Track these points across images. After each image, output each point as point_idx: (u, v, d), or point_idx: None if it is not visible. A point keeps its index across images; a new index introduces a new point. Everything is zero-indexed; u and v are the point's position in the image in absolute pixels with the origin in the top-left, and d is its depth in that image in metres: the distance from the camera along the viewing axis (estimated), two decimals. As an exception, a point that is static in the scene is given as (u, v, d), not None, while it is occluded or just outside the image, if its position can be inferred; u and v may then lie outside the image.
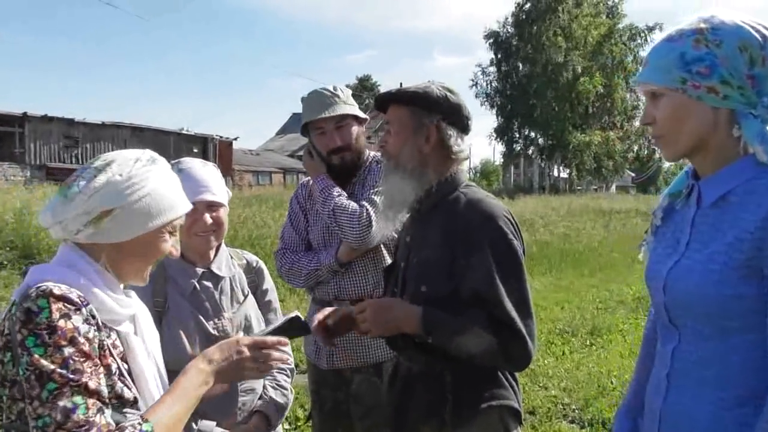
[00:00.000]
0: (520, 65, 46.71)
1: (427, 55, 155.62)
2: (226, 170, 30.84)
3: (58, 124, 30.08)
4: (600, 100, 45.73)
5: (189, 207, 1.49)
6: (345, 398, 2.57)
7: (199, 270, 2.03)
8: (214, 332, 1.99)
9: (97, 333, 1.29)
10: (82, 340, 1.24)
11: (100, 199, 1.34)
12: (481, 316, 1.75)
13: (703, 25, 1.31)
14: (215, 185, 2.04)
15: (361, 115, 2.57)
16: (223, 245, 2.14)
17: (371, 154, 2.65)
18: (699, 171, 1.41)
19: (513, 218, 1.88)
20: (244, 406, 2.04)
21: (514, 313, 1.75)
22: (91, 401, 1.20)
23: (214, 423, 1.94)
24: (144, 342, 1.45)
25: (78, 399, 1.19)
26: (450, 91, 1.94)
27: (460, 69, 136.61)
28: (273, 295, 2.23)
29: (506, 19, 47.08)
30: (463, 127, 1.95)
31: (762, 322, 1.24)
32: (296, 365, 2.63)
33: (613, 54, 45.59)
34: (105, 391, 1.25)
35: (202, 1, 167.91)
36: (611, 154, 46.75)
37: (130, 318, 1.44)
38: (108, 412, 1.23)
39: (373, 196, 2.43)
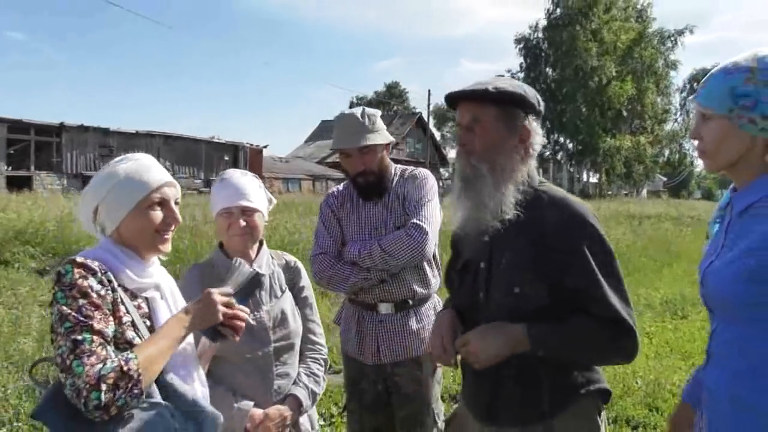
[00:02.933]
0: (550, 70, 46.62)
1: (454, 62, 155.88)
2: (257, 177, 31.21)
3: (93, 133, 30.94)
4: (630, 104, 45.36)
5: (163, 181, 1.75)
6: (385, 389, 2.75)
7: (244, 268, 2.23)
8: (253, 323, 2.17)
9: (111, 293, 1.61)
10: (94, 295, 1.57)
11: (88, 201, 1.75)
12: (586, 318, 1.78)
13: (754, 65, 1.54)
14: (252, 192, 2.25)
15: (386, 141, 2.72)
16: (264, 246, 2.34)
17: (397, 167, 2.82)
18: (736, 185, 1.66)
19: (596, 214, 1.89)
20: (279, 389, 2.23)
21: (619, 306, 1.77)
22: (95, 337, 1.52)
23: (252, 403, 2.15)
24: (168, 305, 1.76)
25: (86, 335, 1.52)
26: (525, 85, 1.92)
27: (488, 75, 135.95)
28: (309, 292, 2.42)
29: (537, 24, 47.04)
30: (540, 122, 1.95)
31: (762, 315, 1.49)
32: (330, 366, 2.78)
33: (643, 58, 45.19)
34: (109, 333, 1.55)
35: (232, 10, 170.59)
36: (641, 158, 46.32)
37: (155, 286, 1.75)
38: (109, 347, 1.53)
39: (422, 213, 2.62)
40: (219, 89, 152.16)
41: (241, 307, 1.74)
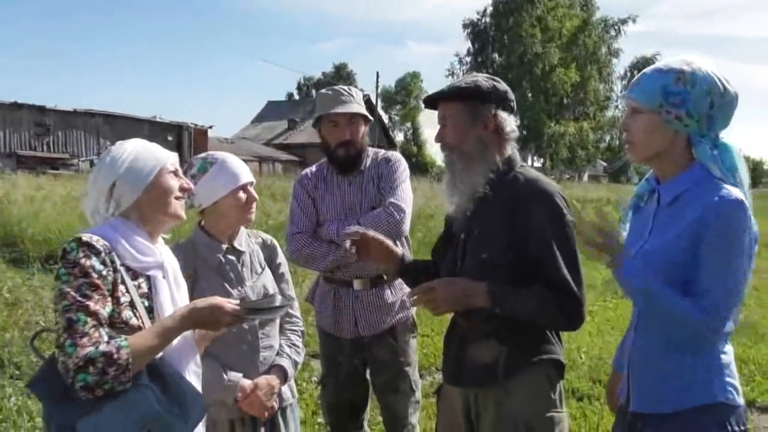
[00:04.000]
0: (497, 56, 47.15)
1: (402, 44, 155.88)
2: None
3: (28, 111, 29.61)
4: (574, 90, 46.38)
5: (171, 156, 1.85)
6: (362, 362, 2.90)
7: (224, 246, 2.31)
8: (238, 298, 2.26)
9: (113, 273, 1.65)
10: (95, 275, 1.62)
11: (102, 180, 1.77)
12: (540, 284, 1.99)
13: (685, 68, 1.73)
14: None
15: (369, 116, 2.89)
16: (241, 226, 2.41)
17: (370, 149, 2.94)
18: (658, 175, 1.85)
19: (565, 196, 2.10)
20: (264, 360, 2.33)
21: (569, 278, 1.99)
22: (90, 319, 1.57)
23: (241, 374, 2.25)
24: (170, 286, 1.80)
25: (81, 315, 1.56)
26: (495, 80, 2.16)
27: (434, 57, 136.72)
28: (285, 268, 2.51)
29: (485, 9, 47.41)
30: (511, 109, 2.16)
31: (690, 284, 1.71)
32: None
33: (587, 46, 46.21)
34: (104, 314, 1.60)
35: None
36: (584, 144, 47.52)
37: (159, 266, 1.79)
38: (103, 330, 1.58)
39: (398, 193, 2.77)
40: (161, 67, 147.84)
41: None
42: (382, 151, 2.99)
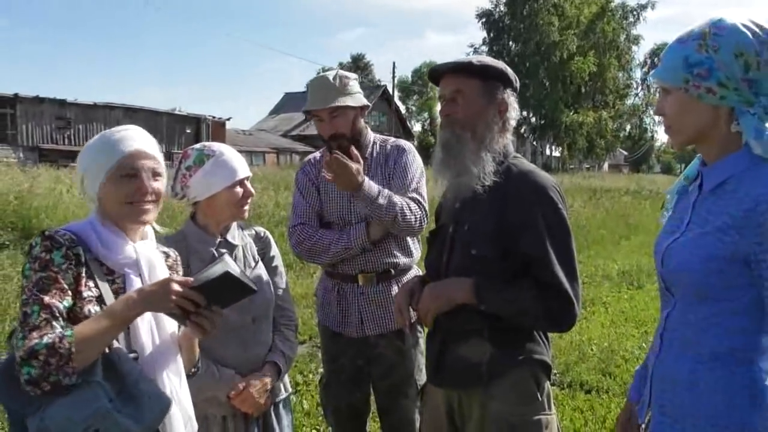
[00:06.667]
0: (512, 44, 46.71)
1: (419, 33, 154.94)
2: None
3: (49, 105, 29.89)
4: (592, 79, 45.85)
5: (134, 149, 1.74)
6: (366, 362, 2.74)
7: (217, 240, 2.29)
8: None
9: (74, 267, 1.63)
10: (54, 269, 1.59)
11: (77, 171, 1.77)
12: (530, 282, 1.89)
13: (707, 30, 1.45)
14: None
15: (357, 104, 2.68)
16: None
17: (375, 136, 2.80)
18: (705, 159, 1.58)
19: (560, 190, 2.00)
20: (257, 356, 2.30)
21: (562, 276, 1.88)
22: (43, 312, 1.54)
23: (233, 371, 2.23)
24: (144, 283, 1.72)
25: (35, 308, 1.54)
26: (505, 64, 2.06)
27: (452, 47, 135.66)
28: (278, 262, 2.48)
29: (499, -3, 46.91)
30: (516, 98, 2.08)
31: (731, 295, 1.45)
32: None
33: (606, 33, 45.61)
34: (60, 307, 1.56)
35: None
36: (603, 133, 47.00)
37: (132, 263, 1.74)
38: (56, 323, 1.53)
39: (419, 188, 2.66)
40: (180, 61, 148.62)
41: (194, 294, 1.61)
42: (391, 139, 2.85)
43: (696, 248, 1.48)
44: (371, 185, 2.50)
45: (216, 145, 2.29)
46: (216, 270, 1.63)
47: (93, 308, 1.63)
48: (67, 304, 1.58)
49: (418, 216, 2.59)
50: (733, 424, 1.45)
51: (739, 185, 1.45)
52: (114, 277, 1.72)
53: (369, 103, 2.80)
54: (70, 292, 1.60)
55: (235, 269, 1.65)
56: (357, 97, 2.71)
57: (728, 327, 1.46)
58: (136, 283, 1.73)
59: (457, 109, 2.00)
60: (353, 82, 2.73)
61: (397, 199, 2.55)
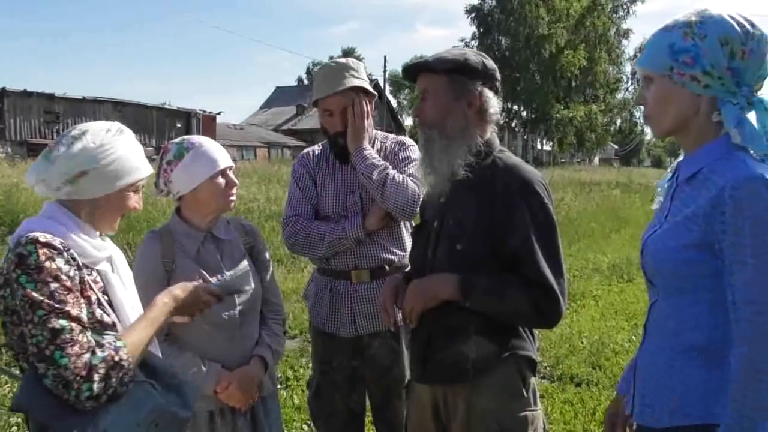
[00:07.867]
0: (502, 39, 46.70)
1: (410, 27, 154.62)
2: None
3: (37, 99, 29.61)
4: (583, 73, 45.94)
5: (150, 171, 1.80)
6: (360, 364, 2.63)
7: (202, 234, 2.26)
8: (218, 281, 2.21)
9: (77, 272, 1.58)
10: (64, 277, 1.53)
11: (76, 162, 1.65)
12: (515, 278, 1.87)
13: (693, 18, 1.46)
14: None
15: (371, 91, 2.58)
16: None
17: (378, 133, 2.72)
18: (683, 149, 1.58)
19: (546, 184, 1.98)
20: (244, 351, 2.28)
21: (548, 272, 1.86)
22: (74, 324, 1.49)
23: (220, 365, 2.21)
24: (120, 277, 1.76)
25: (63, 322, 1.48)
26: (484, 56, 2.02)
27: (444, 40, 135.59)
28: (266, 255, 2.45)
29: (487, -9, 46.86)
30: (497, 90, 2.03)
31: (709, 285, 1.45)
32: (284, 332, 2.63)
33: (596, 27, 45.69)
34: (85, 317, 1.53)
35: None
36: (593, 127, 47.14)
37: (108, 258, 1.74)
38: (89, 333, 1.52)
39: (413, 171, 2.51)
40: (170, 54, 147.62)
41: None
42: (392, 135, 2.77)
43: (668, 239, 1.50)
44: (371, 149, 2.56)
45: (195, 138, 2.26)
46: (241, 282, 2.05)
47: (99, 311, 1.62)
48: (86, 313, 1.56)
49: (409, 185, 2.47)
50: (709, 415, 1.45)
51: (710, 174, 1.46)
52: (94, 276, 1.69)
53: (374, 92, 2.65)
54: (83, 300, 1.57)
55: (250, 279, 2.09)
56: (366, 84, 2.60)
57: (705, 318, 1.47)
58: (115, 279, 1.72)
59: (426, 107, 2.01)
60: (361, 70, 2.61)
61: (391, 169, 2.51)
